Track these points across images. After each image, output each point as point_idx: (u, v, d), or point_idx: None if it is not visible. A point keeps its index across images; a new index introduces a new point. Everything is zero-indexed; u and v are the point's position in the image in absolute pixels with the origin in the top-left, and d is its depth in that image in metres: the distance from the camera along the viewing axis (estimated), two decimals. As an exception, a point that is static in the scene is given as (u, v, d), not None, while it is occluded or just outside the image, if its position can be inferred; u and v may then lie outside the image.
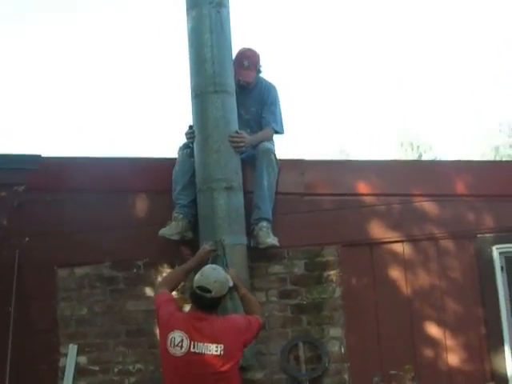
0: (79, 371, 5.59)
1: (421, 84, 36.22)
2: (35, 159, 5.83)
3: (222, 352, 4.42)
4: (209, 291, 4.45)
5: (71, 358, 5.59)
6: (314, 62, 37.67)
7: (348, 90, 38.24)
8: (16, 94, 37.12)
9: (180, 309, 4.78)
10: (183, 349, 4.42)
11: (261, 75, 5.85)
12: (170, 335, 4.46)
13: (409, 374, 4.64)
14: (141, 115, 32.46)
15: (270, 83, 5.87)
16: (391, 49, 37.70)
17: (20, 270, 5.72)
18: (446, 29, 36.59)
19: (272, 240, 5.31)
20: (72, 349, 5.61)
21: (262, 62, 5.81)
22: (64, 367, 5.60)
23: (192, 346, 4.42)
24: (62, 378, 5.59)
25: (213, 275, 4.53)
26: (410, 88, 35.31)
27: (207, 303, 4.48)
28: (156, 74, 38.80)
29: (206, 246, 5.09)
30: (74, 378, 5.56)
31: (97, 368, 5.60)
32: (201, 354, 4.41)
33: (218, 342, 4.42)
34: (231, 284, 4.68)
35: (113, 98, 38.55)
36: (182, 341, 4.43)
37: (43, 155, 5.89)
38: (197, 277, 4.55)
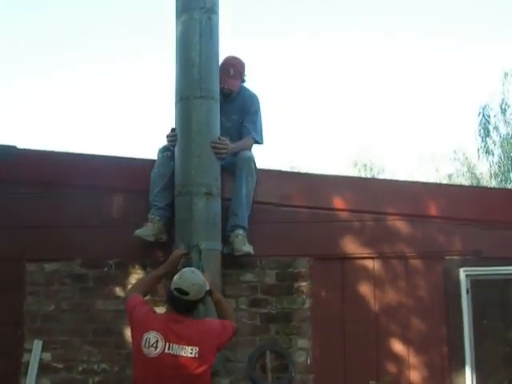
0: (43, 368, 5.54)
1: (378, 107, 36.92)
2: (9, 150, 5.75)
3: (196, 354, 4.42)
4: (186, 293, 4.45)
5: (35, 353, 5.53)
6: (274, 75, 37.94)
7: (303, 105, 38.56)
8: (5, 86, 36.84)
9: (154, 311, 4.78)
10: (158, 349, 4.41)
11: (244, 84, 5.92)
12: (145, 335, 4.45)
13: None
14: (124, 116, 32.56)
15: (253, 93, 5.92)
16: (351, 69, 38.20)
17: (-12, 262, 5.66)
18: (404, 50, 37.28)
19: (247, 248, 5.35)
20: (37, 344, 5.55)
21: (247, 72, 5.87)
22: (27, 363, 5.54)
23: (167, 347, 4.41)
24: (25, 374, 5.51)
25: (191, 278, 4.54)
26: (367, 110, 35.88)
27: (184, 305, 4.49)
28: (140, 76, 38.85)
29: (177, 251, 5.11)
30: (37, 375, 5.49)
31: (61, 365, 5.56)
32: (175, 356, 4.41)
33: (193, 345, 4.43)
34: (208, 288, 4.70)
35: (96, 97, 38.60)
36: (156, 341, 4.42)
37: (19, 147, 5.83)
38: (175, 279, 4.55)
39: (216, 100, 5.44)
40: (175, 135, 5.42)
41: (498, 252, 5.49)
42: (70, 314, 5.61)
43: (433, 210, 5.62)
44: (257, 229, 5.53)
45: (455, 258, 5.52)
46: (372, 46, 38.41)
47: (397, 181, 5.87)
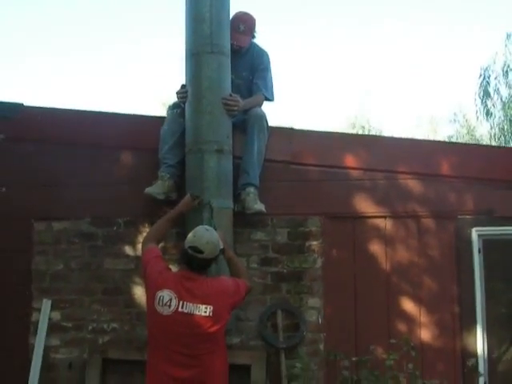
0: (52, 327, 5.51)
1: (377, 68, 36.63)
2: (17, 107, 5.66)
3: (210, 313, 4.39)
4: (201, 252, 4.41)
5: (44, 313, 5.48)
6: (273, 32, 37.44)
7: (300, 64, 38.17)
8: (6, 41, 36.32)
9: (168, 267, 4.73)
10: (171, 308, 4.37)
11: (254, 40, 5.81)
12: (159, 294, 4.41)
13: (408, 344, 4.68)
14: (130, 72, 32.15)
15: (262, 49, 5.82)
16: (351, 29, 37.76)
17: (-5, 220, 5.60)
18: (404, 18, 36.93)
19: (259, 206, 5.29)
20: (46, 304, 5.50)
21: (257, 28, 5.76)
22: (36, 322, 5.51)
23: (180, 306, 4.37)
24: (34, 333, 5.49)
25: (205, 236, 4.48)
26: (366, 72, 35.56)
27: (198, 264, 4.45)
28: (148, 30, 38.33)
29: (188, 196, 5.01)
30: (46, 334, 5.44)
31: (70, 325, 5.53)
32: (189, 314, 4.37)
33: (207, 303, 4.39)
34: (222, 246, 4.65)
35: (103, 53, 38.15)
36: (170, 300, 4.38)
37: (25, 104, 5.73)
38: (189, 237, 4.49)
39: (227, 56, 5.34)
40: (185, 92, 5.32)
41: (511, 212, 5.46)
42: (78, 273, 5.56)
43: (445, 169, 5.55)
44: (268, 187, 5.47)
45: (467, 217, 5.47)
46: (372, 6, 37.86)
47: (409, 139, 5.80)
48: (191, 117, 5.27)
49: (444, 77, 31.87)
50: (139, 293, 5.46)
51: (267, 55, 5.82)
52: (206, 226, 4.66)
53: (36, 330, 5.48)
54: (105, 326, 5.49)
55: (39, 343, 5.42)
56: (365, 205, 5.53)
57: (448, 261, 5.49)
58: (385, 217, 5.54)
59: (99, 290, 5.54)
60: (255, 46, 5.79)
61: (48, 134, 5.67)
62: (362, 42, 38.10)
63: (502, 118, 17.05)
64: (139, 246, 5.46)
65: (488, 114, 16.93)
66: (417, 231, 5.53)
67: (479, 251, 5.47)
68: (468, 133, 18.07)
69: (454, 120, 18.90)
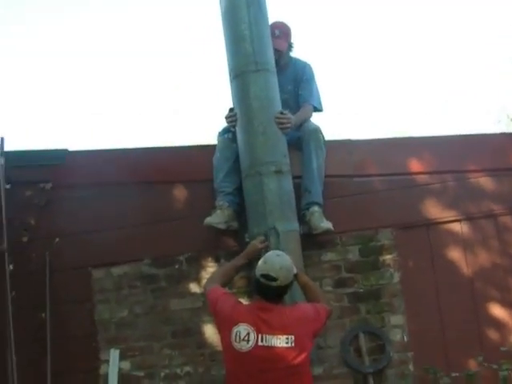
0: (123, 378, 5.22)
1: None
2: (62, 154, 5.46)
3: (292, 343, 4.04)
4: (274, 279, 4.08)
5: (113, 363, 5.19)
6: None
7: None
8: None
9: (239, 301, 4.45)
10: (250, 342, 4.04)
11: (295, 55, 5.57)
12: (235, 329, 4.07)
13: None
14: (168, 105, 32.03)
15: (304, 62, 5.61)
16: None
17: (52, 273, 5.35)
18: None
19: (326, 224, 4.99)
20: (114, 354, 5.21)
21: (293, 38, 5.52)
22: (105, 375, 5.22)
23: (260, 339, 4.03)
24: (105, 387, 5.25)
25: (277, 262, 4.16)
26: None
27: (273, 292, 4.11)
28: (184, 60, 38.26)
29: (255, 243, 4.72)
30: (118, 386, 5.21)
31: (142, 373, 5.23)
32: (270, 347, 4.03)
33: (288, 333, 4.05)
34: (295, 271, 4.35)
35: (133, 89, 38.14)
36: (248, 334, 4.05)
37: (70, 149, 5.54)
38: (260, 264, 4.17)
39: (273, 72, 5.10)
40: (235, 115, 5.07)
41: None
42: (144, 318, 5.29)
43: (517, 161, 5.25)
44: (332, 204, 5.18)
45: (547, 209, 5.16)
46: None
47: (475, 134, 5.48)
48: (244, 140, 5.01)
49: (487, 76, 31.16)
50: (210, 331, 5.17)
51: (310, 66, 5.59)
52: (277, 251, 4.34)
53: (106, 383, 5.21)
54: (178, 370, 5.20)
55: (112, 396, 5.17)
56: (437, 210, 5.24)
57: (533, 258, 5.15)
58: (460, 220, 5.23)
59: (168, 334, 5.26)
60: (296, 59, 5.58)
61: (96, 177, 5.42)
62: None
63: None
64: (204, 282, 5.22)
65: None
66: (495, 231, 5.22)
67: None
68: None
69: (498, 120, 18.47)
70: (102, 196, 5.45)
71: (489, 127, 18.66)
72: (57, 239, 5.44)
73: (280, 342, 4.09)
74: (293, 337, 4.09)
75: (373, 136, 6.21)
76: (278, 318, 4.13)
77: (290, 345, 4.09)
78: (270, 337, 4.09)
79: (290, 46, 5.53)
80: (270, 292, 4.15)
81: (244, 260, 4.70)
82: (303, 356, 4.15)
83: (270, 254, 4.35)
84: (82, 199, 5.46)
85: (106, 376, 5.22)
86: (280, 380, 4.11)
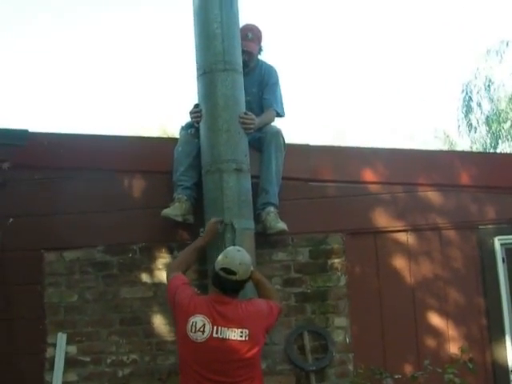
0: (68, 362, 5.26)
1: (357, 87, 36.62)
2: (22, 134, 5.39)
3: (247, 337, 4.21)
4: (234, 273, 4.23)
5: (60, 347, 5.23)
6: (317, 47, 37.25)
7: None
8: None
9: (197, 293, 4.55)
10: (205, 334, 4.18)
11: (262, 58, 5.67)
12: (191, 320, 4.21)
13: (465, 355, 4.53)
14: (135, 94, 31.60)
15: (270, 65, 5.72)
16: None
17: (3, 254, 5.32)
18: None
19: (282, 225, 5.13)
20: (61, 338, 5.25)
21: (264, 42, 5.63)
22: (51, 358, 5.25)
23: (215, 331, 4.18)
24: (49, 369, 5.24)
25: (238, 257, 4.30)
26: (345, 89, 35.45)
27: (231, 286, 4.26)
28: (149, 53, 37.82)
29: (212, 219, 4.82)
30: (63, 370, 5.20)
31: (88, 359, 5.27)
32: (225, 339, 4.19)
33: (243, 327, 4.21)
34: (252, 268, 4.48)
35: (107, 76, 37.54)
36: (203, 325, 4.19)
37: (30, 130, 5.49)
38: (220, 258, 4.31)
39: (240, 73, 5.20)
40: (200, 111, 5.15)
41: (533, 219, 5.41)
42: (94, 304, 5.33)
43: (465, 179, 5.48)
44: (287, 206, 5.31)
45: (489, 227, 5.41)
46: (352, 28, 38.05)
47: (427, 150, 5.74)
48: (207, 136, 5.10)
49: (428, 94, 32.06)
50: (159, 321, 5.26)
51: (275, 71, 5.71)
52: (238, 247, 4.48)
53: (52, 367, 5.22)
54: (124, 358, 5.25)
55: (56, 380, 5.17)
56: (386, 219, 5.43)
57: (472, 272, 5.40)
58: (406, 230, 5.43)
59: (117, 321, 5.31)
60: (263, 62, 5.69)
61: (56, 161, 5.45)
62: (343, 56, 37.98)
63: (485, 133, 17.26)
64: (157, 273, 5.32)
65: (471, 128, 17.20)
66: (439, 243, 5.44)
67: (503, 260, 5.38)
68: (450, 148, 18.26)
69: (435, 136, 19.16)
70: (61, 180, 5.45)
71: (428, 143, 19.44)
72: (11, 219, 5.41)
73: (234, 334, 4.24)
74: (247, 331, 4.25)
75: (330, 143, 6.38)
76: (233, 311, 4.28)
77: (243, 338, 4.24)
78: (225, 329, 4.23)
79: (260, 50, 5.63)
80: (228, 286, 4.29)
81: (202, 242, 4.81)
82: (256, 350, 4.31)
83: (231, 249, 4.49)
84: (40, 181, 5.47)
85: (52, 359, 5.26)
86: (232, 371, 4.27)
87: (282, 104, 5.69)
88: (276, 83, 5.67)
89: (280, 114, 5.66)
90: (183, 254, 4.82)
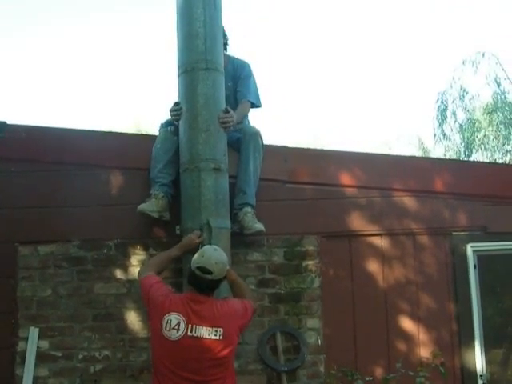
0: (40, 356, 5.21)
1: (331, 88, 36.77)
2: (0, 126, 5.38)
3: (221, 336, 4.24)
4: (210, 272, 4.25)
5: (32, 342, 5.19)
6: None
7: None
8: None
9: (172, 291, 4.55)
10: (180, 332, 4.21)
11: (232, 55, 5.73)
12: (166, 317, 4.23)
13: (437, 360, 4.59)
14: (110, 91, 31.43)
15: (242, 60, 5.77)
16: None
17: (-24, 246, 5.30)
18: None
19: (259, 226, 5.15)
20: (33, 332, 5.21)
21: (228, 34, 5.66)
22: (22, 352, 5.21)
23: (189, 329, 4.21)
24: (20, 364, 5.19)
25: (214, 256, 4.33)
26: (322, 94, 35.62)
27: (207, 285, 4.29)
28: (133, 48, 37.73)
29: (192, 237, 4.83)
30: (34, 364, 5.15)
31: (59, 354, 5.23)
32: (199, 338, 4.21)
33: (217, 326, 4.24)
34: (228, 267, 4.50)
35: (89, 70, 37.27)
36: (178, 323, 4.21)
37: (9, 122, 5.45)
38: (196, 257, 4.33)
39: (221, 73, 5.22)
40: (180, 109, 5.15)
41: (505, 227, 5.48)
42: (67, 299, 5.29)
43: (439, 186, 5.55)
44: (263, 206, 5.32)
45: (462, 233, 5.48)
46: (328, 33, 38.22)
47: (404, 156, 5.80)
48: (187, 134, 5.10)
49: (403, 102, 32.34)
50: (132, 318, 5.25)
51: (248, 64, 5.77)
52: (214, 246, 4.50)
53: (23, 361, 5.17)
54: (96, 353, 5.23)
55: (27, 374, 5.12)
56: (361, 223, 5.48)
57: (444, 277, 5.47)
58: (381, 234, 5.49)
59: (90, 317, 5.28)
60: (234, 58, 5.73)
61: (33, 154, 5.42)
62: (321, 61, 38.15)
63: (460, 141, 17.47)
64: (131, 270, 5.31)
65: (445, 137, 17.39)
66: (413, 248, 5.50)
67: (475, 267, 5.46)
68: (424, 154, 18.48)
69: (409, 143, 19.37)
70: (38, 173, 5.42)
71: (403, 150, 19.67)
72: (-15, 211, 5.41)
73: (209, 333, 4.26)
74: (221, 330, 4.28)
75: (308, 146, 6.43)
76: (208, 310, 4.31)
77: (218, 337, 4.27)
78: (200, 328, 4.25)
79: (225, 45, 5.62)
80: (203, 284, 4.31)
81: (178, 252, 4.83)
82: (229, 349, 4.35)
83: (208, 248, 4.51)
84: (17, 174, 5.42)
85: (24, 354, 5.21)
86: (205, 370, 4.29)
87: (256, 95, 5.74)
88: (248, 76, 5.72)
89: (255, 105, 5.71)
90: (157, 259, 4.86)
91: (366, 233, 5.48)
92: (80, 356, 5.25)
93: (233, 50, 5.71)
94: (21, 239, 5.36)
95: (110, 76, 38.42)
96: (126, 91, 36.10)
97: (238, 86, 5.65)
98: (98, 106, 35.00)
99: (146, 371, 5.04)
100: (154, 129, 5.76)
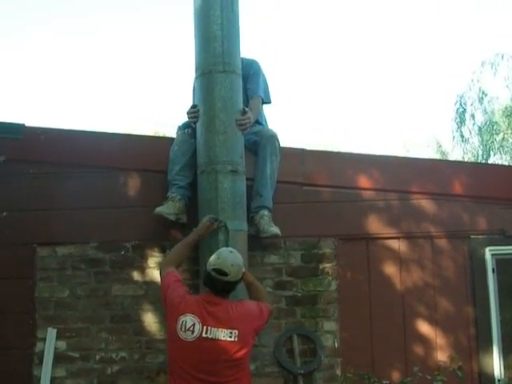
0: (57, 357, 5.26)
1: (351, 91, 36.77)
2: (18, 128, 5.43)
3: (236, 338, 4.24)
4: (225, 274, 4.25)
5: (50, 342, 5.23)
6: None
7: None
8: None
9: (189, 292, 4.56)
10: (195, 333, 4.20)
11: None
12: (181, 319, 4.23)
13: (455, 364, 4.57)
14: (130, 94, 31.76)
15: (250, 59, 5.73)
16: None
17: (-4, 247, 5.34)
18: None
19: (275, 229, 5.13)
20: (51, 333, 5.26)
21: None
22: (40, 353, 5.26)
23: (205, 331, 4.20)
24: (38, 364, 5.24)
25: (230, 258, 4.33)
26: (339, 96, 35.59)
27: (222, 287, 4.29)
28: (153, 51, 38.01)
29: (205, 220, 4.83)
30: (51, 365, 5.21)
31: (77, 355, 5.27)
32: (214, 340, 4.21)
33: (232, 328, 4.24)
34: (244, 269, 4.50)
35: (108, 72, 37.63)
36: (193, 325, 4.21)
37: (27, 124, 5.50)
38: (212, 259, 4.33)
39: (239, 75, 5.24)
40: (197, 111, 5.17)
41: (524, 230, 5.46)
42: (85, 300, 5.33)
43: (458, 189, 5.51)
44: (280, 209, 5.33)
45: (480, 237, 5.43)
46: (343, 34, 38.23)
47: (421, 159, 5.79)
48: (204, 137, 5.12)
49: (422, 104, 32.26)
50: (149, 320, 5.27)
51: (256, 62, 5.75)
52: (230, 248, 4.50)
53: (41, 361, 5.22)
54: (113, 355, 5.26)
55: (45, 375, 5.17)
56: (378, 226, 5.46)
57: (462, 281, 5.43)
58: (398, 238, 5.46)
59: (107, 318, 5.31)
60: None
61: (52, 156, 5.47)
62: (340, 63, 38.11)
63: (478, 144, 17.42)
64: (148, 271, 5.34)
65: (463, 139, 17.33)
66: (431, 252, 5.47)
67: (493, 271, 5.42)
68: (442, 158, 18.49)
69: (428, 146, 19.35)
70: (56, 175, 5.48)
71: (421, 152, 19.63)
72: (4, 213, 5.43)
73: (224, 335, 4.26)
74: (237, 331, 4.27)
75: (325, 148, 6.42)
76: (224, 312, 4.31)
77: (233, 339, 4.27)
78: (215, 329, 4.25)
79: None
80: (219, 286, 4.31)
81: (194, 236, 4.84)
82: (245, 351, 4.34)
83: (224, 249, 4.51)
84: (35, 176, 5.48)
85: (42, 354, 5.26)
86: (220, 371, 4.29)
87: (266, 91, 5.73)
88: (257, 73, 5.70)
89: (265, 101, 5.70)
90: (175, 249, 4.83)
91: (383, 236, 5.46)
92: (97, 357, 5.29)
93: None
94: (39, 240, 5.41)
95: (130, 79, 38.59)
96: (145, 94, 36.25)
97: (248, 83, 5.62)
98: (117, 108, 35.30)
99: (163, 373, 5.02)
100: (172, 131, 5.75)
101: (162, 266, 4.73)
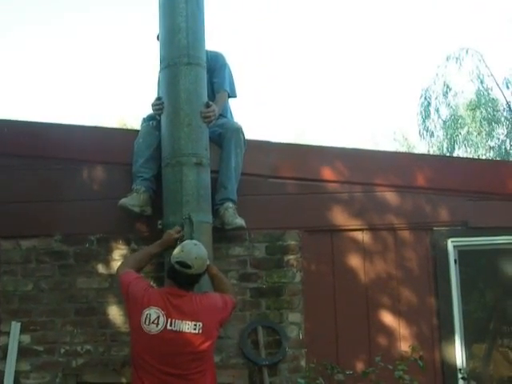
0: (22, 351, 5.23)
1: (317, 83, 36.91)
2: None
3: (200, 330, 4.26)
4: (189, 267, 4.27)
5: (13, 336, 5.20)
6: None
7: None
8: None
9: (152, 285, 4.56)
10: (159, 326, 4.22)
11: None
12: (145, 312, 4.25)
13: (416, 354, 4.62)
14: (95, 86, 31.43)
15: (215, 52, 5.72)
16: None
17: (-42, 240, 5.28)
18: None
19: (240, 221, 5.16)
20: (15, 326, 5.22)
21: None
22: (4, 346, 5.23)
23: (169, 323, 4.23)
24: (1, 358, 5.20)
25: (194, 251, 4.35)
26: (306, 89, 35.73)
27: (187, 279, 4.32)
28: (117, 44, 37.70)
29: (171, 232, 4.82)
30: (16, 359, 5.17)
31: (41, 348, 5.25)
32: (178, 332, 4.23)
33: (196, 320, 4.26)
34: (208, 262, 4.51)
35: (74, 66, 37.27)
36: (158, 317, 4.23)
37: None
38: (176, 252, 4.35)
39: (204, 67, 5.22)
40: (162, 103, 5.16)
41: (486, 222, 5.49)
42: (49, 294, 5.31)
43: (421, 181, 5.57)
44: (245, 201, 5.34)
45: (443, 228, 5.50)
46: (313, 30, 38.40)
47: (385, 151, 5.83)
48: (168, 129, 5.11)
49: (388, 98, 32.58)
50: (114, 312, 5.27)
51: (222, 55, 5.75)
52: (195, 241, 4.51)
53: (5, 355, 5.19)
54: (78, 348, 5.24)
55: (9, 369, 5.13)
56: (343, 218, 5.49)
57: (425, 272, 5.49)
58: (362, 229, 5.51)
59: (71, 311, 5.29)
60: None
61: (14, 148, 5.43)
62: (306, 57, 38.24)
63: (443, 137, 17.61)
64: (113, 264, 5.31)
65: (428, 133, 17.51)
66: (394, 243, 5.52)
67: (455, 262, 5.50)
68: (408, 150, 18.66)
69: (394, 139, 19.52)
70: (20, 167, 5.44)
71: (386, 145, 19.79)
72: (-34, 206, 5.40)
73: (188, 327, 4.28)
74: (201, 324, 4.30)
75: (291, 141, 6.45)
76: (188, 304, 4.33)
77: (197, 331, 4.29)
78: (179, 322, 4.28)
79: None
80: (183, 279, 4.34)
81: (159, 248, 4.84)
82: (209, 343, 4.36)
83: (188, 242, 4.52)
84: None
85: (5, 348, 5.23)
86: (185, 364, 4.31)
87: (232, 85, 5.74)
88: (223, 66, 5.70)
89: (231, 95, 5.71)
90: (137, 256, 4.86)
91: (347, 228, 5.50)
92: (62, 350, 5.27)
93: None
94: (3, 233, 5.37)
95: (96, 71, 38.40)
96: (111, 86, 36.09)
97: (214, 76, 5.61)
98: (83, 101, 35.02)
99: (128, 365, 4.98)
100: (138, 123, 5.73)
101: (120, 267, 4.72)
